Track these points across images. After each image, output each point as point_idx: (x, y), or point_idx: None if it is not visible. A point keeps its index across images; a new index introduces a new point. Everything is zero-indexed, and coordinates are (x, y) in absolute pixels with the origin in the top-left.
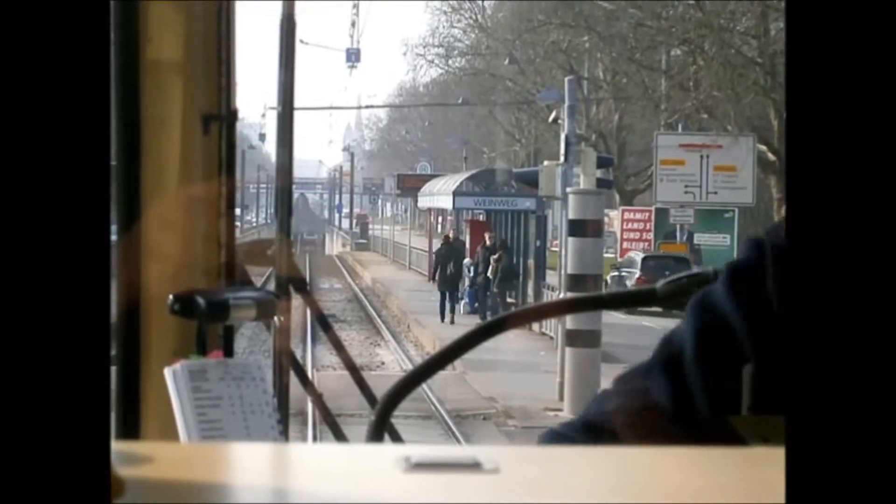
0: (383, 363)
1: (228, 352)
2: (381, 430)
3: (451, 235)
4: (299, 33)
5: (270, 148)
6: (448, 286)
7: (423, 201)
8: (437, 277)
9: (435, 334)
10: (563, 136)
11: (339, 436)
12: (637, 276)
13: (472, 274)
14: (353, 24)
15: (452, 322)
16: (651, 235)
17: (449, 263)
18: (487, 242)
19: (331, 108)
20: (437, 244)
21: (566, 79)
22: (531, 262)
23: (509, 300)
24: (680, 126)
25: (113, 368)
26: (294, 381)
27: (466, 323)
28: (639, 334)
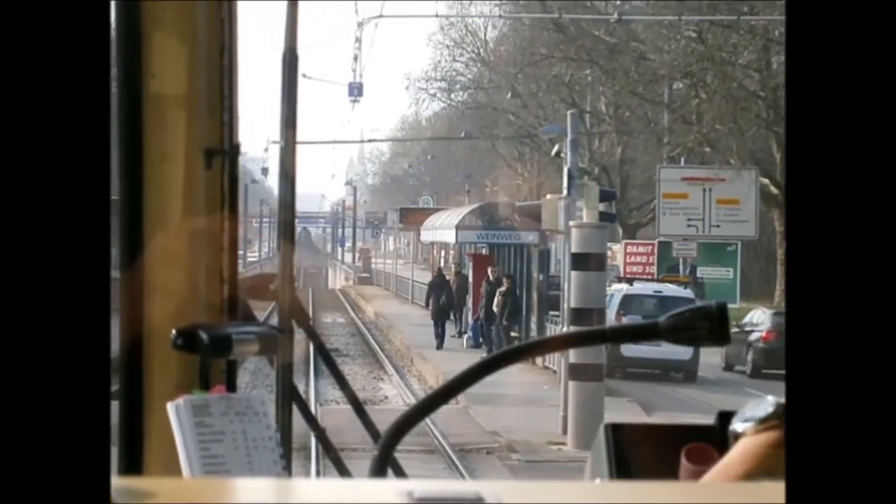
0: (386, 397)
1: (231, 386)
2: (385, 464)
3: (452, 268)
4: (302, 67)
5: (273, 182)
6: (441, 315)
7: (426, 235)
8: (430, 307)
9: (438, 368)
10: (565, 170)
11: (343, 471)
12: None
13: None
14: (355, 59)
15: (441, 347)
16: (654, 269)
17: (442, 294)
18: (491, 277)
19: (333, 142)
20: None
21: (568, 112)
22: (535, 295)
23: (513, 334)
24: (682, 159)
25: (116, 403)
26: (297, 415)
27: (462, 350)
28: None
